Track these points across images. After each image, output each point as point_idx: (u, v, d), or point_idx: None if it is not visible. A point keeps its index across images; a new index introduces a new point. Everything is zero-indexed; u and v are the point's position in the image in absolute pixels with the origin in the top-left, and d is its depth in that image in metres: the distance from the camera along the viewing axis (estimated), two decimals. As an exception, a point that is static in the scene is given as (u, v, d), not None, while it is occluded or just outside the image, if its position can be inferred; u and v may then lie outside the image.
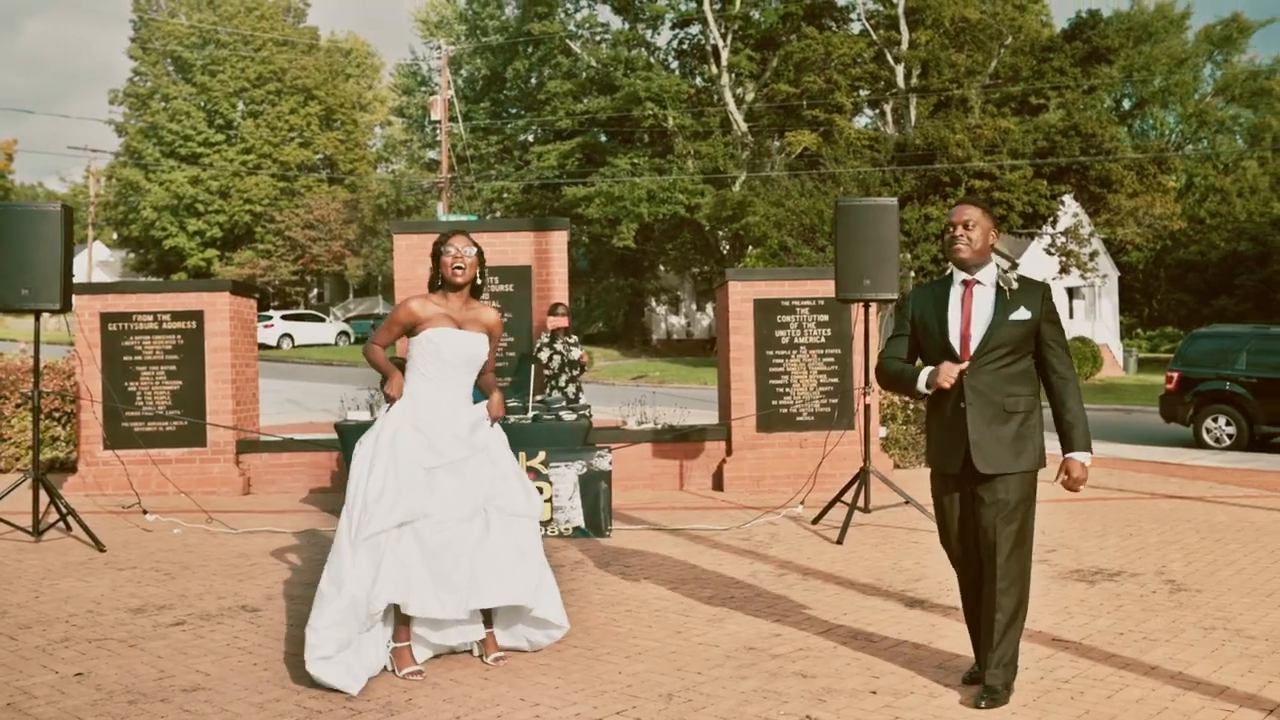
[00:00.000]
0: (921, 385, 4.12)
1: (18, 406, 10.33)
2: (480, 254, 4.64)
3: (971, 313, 4.10)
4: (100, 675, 4.37)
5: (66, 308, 7.25)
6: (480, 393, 4.73)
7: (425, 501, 4.38)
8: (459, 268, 4.55)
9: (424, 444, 4.44)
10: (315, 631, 4.22)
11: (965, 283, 4.15)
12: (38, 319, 7.28)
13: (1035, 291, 4.11)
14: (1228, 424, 14.43)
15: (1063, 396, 4.08)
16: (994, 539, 4.01)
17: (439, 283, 4.63)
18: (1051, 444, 4.13)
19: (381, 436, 4.45)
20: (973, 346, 4.07)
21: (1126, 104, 48.26)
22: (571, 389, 9.25)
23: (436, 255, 4.62)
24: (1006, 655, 4.01)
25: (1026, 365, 4.09)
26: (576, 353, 9.32)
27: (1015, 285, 4.09)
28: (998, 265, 4.20)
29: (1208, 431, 14.58)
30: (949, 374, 4.03)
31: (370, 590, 4.27)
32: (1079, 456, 4.06)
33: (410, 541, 4.36)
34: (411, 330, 4.56)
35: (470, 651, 4.64)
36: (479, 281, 4.67)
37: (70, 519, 7.17)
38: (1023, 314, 4.05)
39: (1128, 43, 38.57)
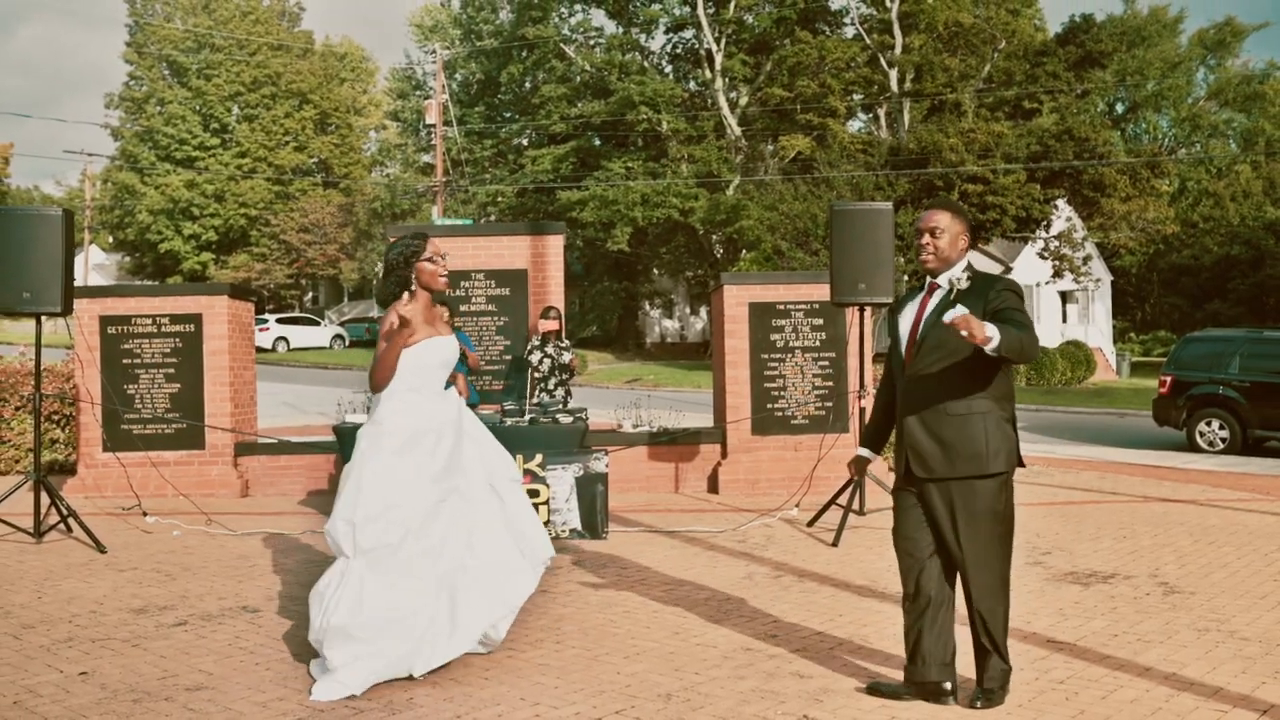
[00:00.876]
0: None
1: (17, 409, 10.35)
2: None
3: (922, 316, 4.07)
4: (104, 674, 4.40)
5: (68, 311, 7.29)
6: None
7: (467, 525, 4.45)
8: (443, 274, 4.50)
9: (446, 465, 4.41)
10: (345, 686, 4.14)
11: (929, 286, 4.12)
12: (39, 322, 7.33)
13: (985, 289, 3.94)
14: (1221, 428, 14.49)
15: None
16: (959, 553, 3.97)
17: (411, 289, 4.47)
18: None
19: (397, 468, 4.31)
20: (915, 350, 4.06)
21: (1120, 108, 48.43)
22: (560, 392, 9.30)
23: (409, 261, 4.45)
24: (999, 663, 4.02)
25: (975, 366, 3.91)
26: (567, 356, 9.37)
27: (964, 285, 3.97)
28: (969, 264, 4.10)
29: (1201, 435, 14.64)
30: (850, 466, 4.53)
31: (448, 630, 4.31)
32: (991, 329, 3.61)
33: (467, 569, 4.41)
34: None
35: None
36: None
37: (71, 520, 7.20)
38: (958, 311, 3.84)
39: (1121, 47, 38.74)
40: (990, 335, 3.60)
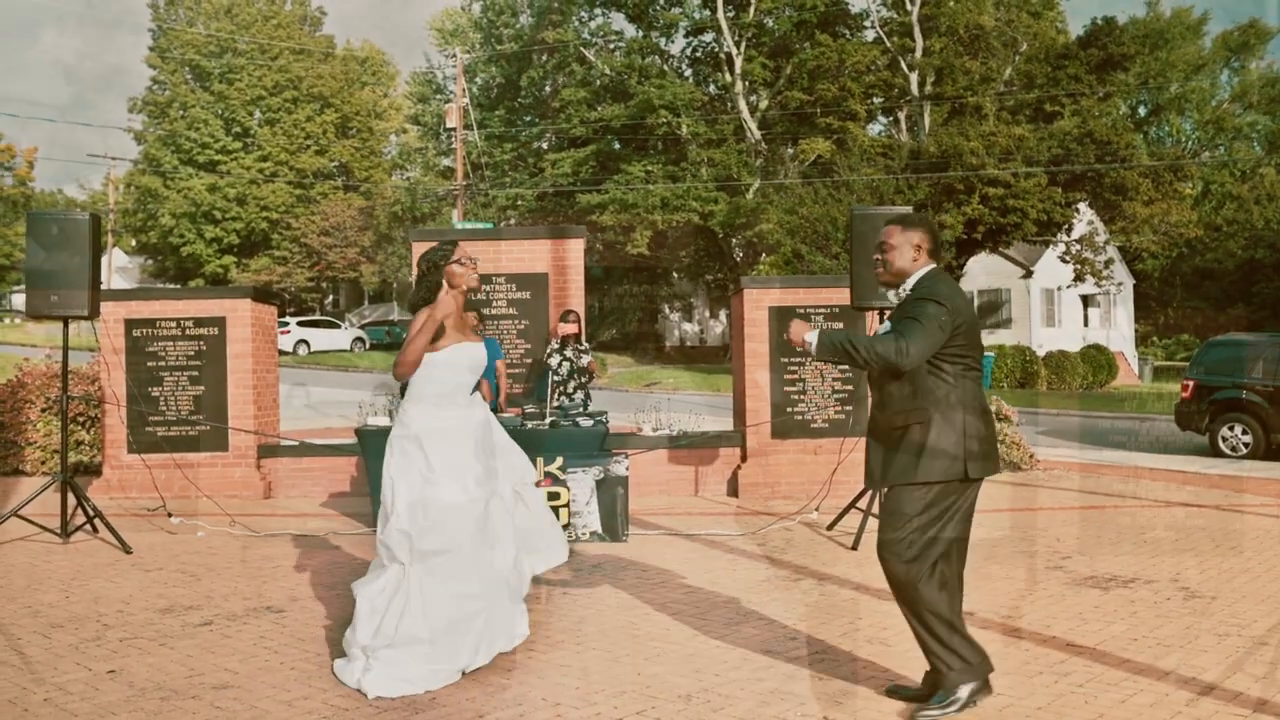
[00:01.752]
0: None
1: (44, 411, 10.47)
2: None
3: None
4: (132, 673, 4.47)
5: (95, 314, 7.38)
6: None
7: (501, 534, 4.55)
8: (474, 274, 4.57)
9: (486, 468, 4.50)
10: (410, 684, 4.22)
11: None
12: (66, 325, 7.42)
13: (912, 299, 3.97)
14: (1244, 432, 14.39)
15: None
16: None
17: (444, 293, 4.52)
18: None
19: (445, 475, 4.38)
20: None
21: (1142, 111, 48.16)
22: (580, 395, 9.33)
23: (438, 266, 4.51)
24: (940, 664, 3.96)
25: (912, 378, 3.92)
26: (585, 360, 9.40)
27: (901, 298, 4.05)
28: (928, 273, 4.08)
29: (1223, 440, 14.54)
30: None
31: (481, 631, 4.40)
32: (810, 332, 3.97)
33: (507, 569, 4.54)
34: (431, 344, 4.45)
35: None
36: None
37: (97, 521, 7.29)
38: (885, 326, 4.03)
39: (1143, 49, 38.51)
40: (807, 340, 3.91)
